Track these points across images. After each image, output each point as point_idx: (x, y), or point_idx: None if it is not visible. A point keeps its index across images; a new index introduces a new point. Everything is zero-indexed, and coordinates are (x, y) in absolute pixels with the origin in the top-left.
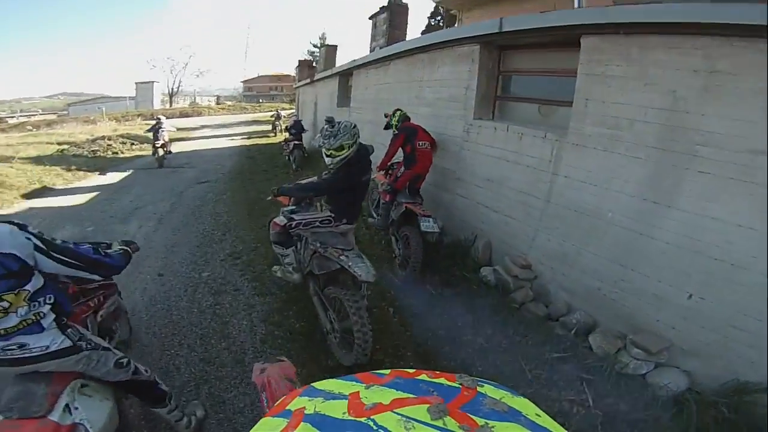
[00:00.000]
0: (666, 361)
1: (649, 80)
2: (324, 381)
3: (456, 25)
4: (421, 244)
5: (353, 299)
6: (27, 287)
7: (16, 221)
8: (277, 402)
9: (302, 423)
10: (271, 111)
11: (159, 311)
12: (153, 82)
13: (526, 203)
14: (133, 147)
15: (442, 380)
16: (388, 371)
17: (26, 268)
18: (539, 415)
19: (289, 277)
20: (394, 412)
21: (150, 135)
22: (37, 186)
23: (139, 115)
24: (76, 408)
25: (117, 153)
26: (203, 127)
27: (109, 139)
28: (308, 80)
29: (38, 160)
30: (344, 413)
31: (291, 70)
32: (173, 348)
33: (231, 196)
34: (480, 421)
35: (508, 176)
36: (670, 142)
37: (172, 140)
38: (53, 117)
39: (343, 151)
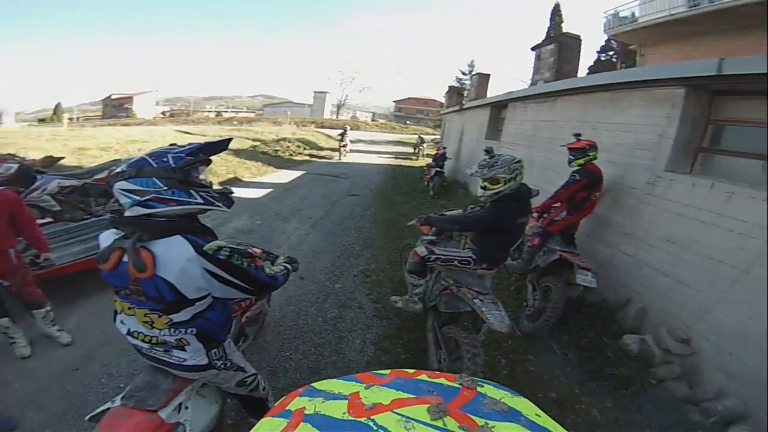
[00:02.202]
0: None
1: None
2: (324, 381)
3: (637, 62)
4: (564, 299)
5: (472, 344)
6: (171, 316)
7: (211, 243)
8: (277, 402)
9: (302, 423)
10: (416, 134)
11: (290, 312)
12: (326, 93)
13: (713, 271)
14: (305, 152)
15: (442, 380)
16: (388, 371)
17: (180, 302)
18: (539, 415)
19: (412, 307)
20: (394, 412)
21: (338, 137)
22: (231, 176)
23: (312, 123)
24: (187, 408)
25: (292, 155)
26: (359, 141)
27: (289, 142)
28: (457, 107)
29: (236, 153)
30: (344, 413)
31: (436, 95)
32: (289, 351)
33: (373, 213)
34: (480, 421)
35: (696, 239)
36: None
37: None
38: (252, 115)
39: (498, 185)
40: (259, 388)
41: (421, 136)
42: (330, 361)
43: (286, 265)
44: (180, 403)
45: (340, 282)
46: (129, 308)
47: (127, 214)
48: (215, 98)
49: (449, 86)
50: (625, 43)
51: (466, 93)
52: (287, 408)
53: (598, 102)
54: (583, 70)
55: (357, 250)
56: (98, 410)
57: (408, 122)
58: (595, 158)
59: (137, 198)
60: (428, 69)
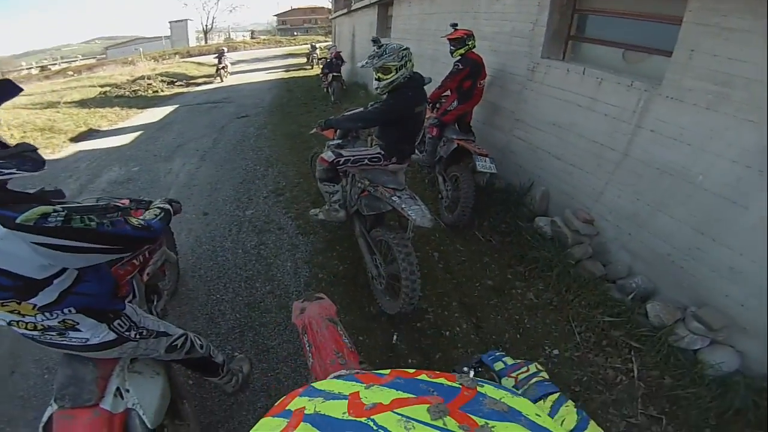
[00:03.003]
0: (723, 339)
1: None
2: (324, 381)
3: None
4: (472, 186)
5: (402, 244)
6: (32, 301)
7: (28, 213)
8: (277, 402)
9: (302, 423)
10: (307, 44)
11: (205, 252)
12: (187, 20)
13: (597, 154)
14: (174, 85)
15: (442, 380)
16: (387, 371)
17: (26, 285)
18: (539, 415)
19: (334, 216)
20: (394, 412)
21: (214, 61)
22: (84, 129)
23: (176, 54)
24: (128, 390)
25: (157, 91)
26: (239, 61)
27: (149, 79)
28: (345, 10)
29: (83, 104)
30: (344, 413)
31: (325, 2)
32: (219, 292)
33: (272, 130)
34: (480, 421)
35: (578, 123)
36: None
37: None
38: (93, 61)
39: (390, 75)
40: (195, 347)
41: (313, 44)
42: (266, 291)
43: (161, 207)
44: (117, 388)
45: (251, 208)
46: None
47: None
48: (31, 53)
49: None
50: None
51: None
52: (287, 408)
53: None
54: None
55: (261, 171)
56: (44, 419)
57: (296, 33)
58: (474, 46)
59: None
60: None
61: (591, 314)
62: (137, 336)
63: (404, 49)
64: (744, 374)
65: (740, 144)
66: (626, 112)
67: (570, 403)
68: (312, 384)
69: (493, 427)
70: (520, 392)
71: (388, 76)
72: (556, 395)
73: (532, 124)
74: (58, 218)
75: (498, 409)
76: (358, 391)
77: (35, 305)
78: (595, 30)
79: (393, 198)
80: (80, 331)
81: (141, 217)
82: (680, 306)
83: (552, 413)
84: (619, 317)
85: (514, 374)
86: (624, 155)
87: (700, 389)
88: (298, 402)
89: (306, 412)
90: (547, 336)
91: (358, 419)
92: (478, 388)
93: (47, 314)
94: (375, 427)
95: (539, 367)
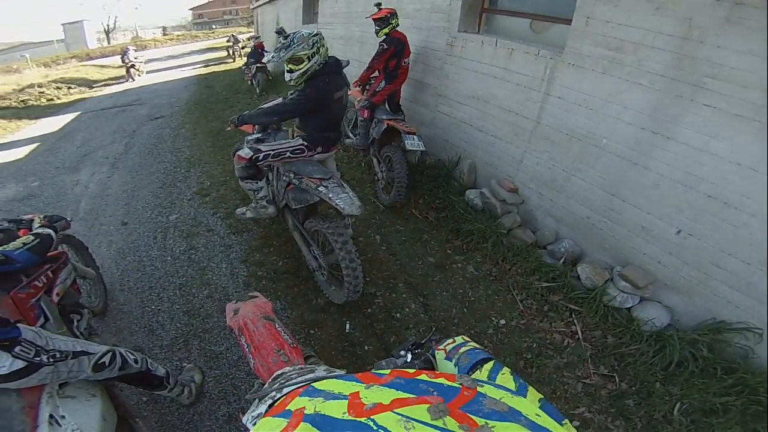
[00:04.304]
0: (650, 296)
1: (663, 4)
2: (324, 381)
3: None
4: (405, 166)
5: (337, 233)
6: None
7: None
8: (278, 402)
9: (302, 423)
10: (227, 36)
11: (130, 264)
12: (83, 21)
13: (514, 123)
14: (72, 91)
15: (442, 380)
16: (388, 371)
17: None
18: (539, 415)
19: (263, 212)
20: (394, 412)
21: (124, 62)
22: None
23: (72, 57)
24: (63, 416)
25: (53, 99)
26: (150, 60)
27: (41, 86)
28: None
29: None
30: (344, 413)
31: None
32: (153, 303)
33: (191, 129)
34: (480, 421)
35: (494, 94)
36: (677, 70)
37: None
38: None
39: (303, 64)
40: (129, 363)
41: (235, 35)
42: (204, 296)
43: (37, 233)
44: (51, 416)
45: (175, 212)
46: None
47: None
48: None
49: None
50: None
51: None
52: (287, 408)
53: None
54: None
55: (182, 172)
56: None
57: (214, 27)
58: (398, 25)
59: None
60: None
61: (529, 281)
62: (50, 360)
63: (315, 35)
64: (676, 328)
65: (634, 107)
66: (535, 80)
67: (506, 369)
68: (312, 384)
69: (493, 427)
70: (453, 362)
71: (301, 66)
72: (491, 363)
73: (454, 98)
74: None
75: (498, 409)
76: (358, 391)
77: None
78: (506, 1)
79: (319, 188)
80: None
81: (2, 247)
82: (607, 266)
83: (490, 381)
84: (554, 282)
85: (441, 347)
86: (537, 123)
87: (641, 346)
88: (298, 402)
89: (306, 412)
90: (492, 307)
91: (358, 419)
92: (478, 388)
93: None
94: (375, 427)
95: (466, 338)
